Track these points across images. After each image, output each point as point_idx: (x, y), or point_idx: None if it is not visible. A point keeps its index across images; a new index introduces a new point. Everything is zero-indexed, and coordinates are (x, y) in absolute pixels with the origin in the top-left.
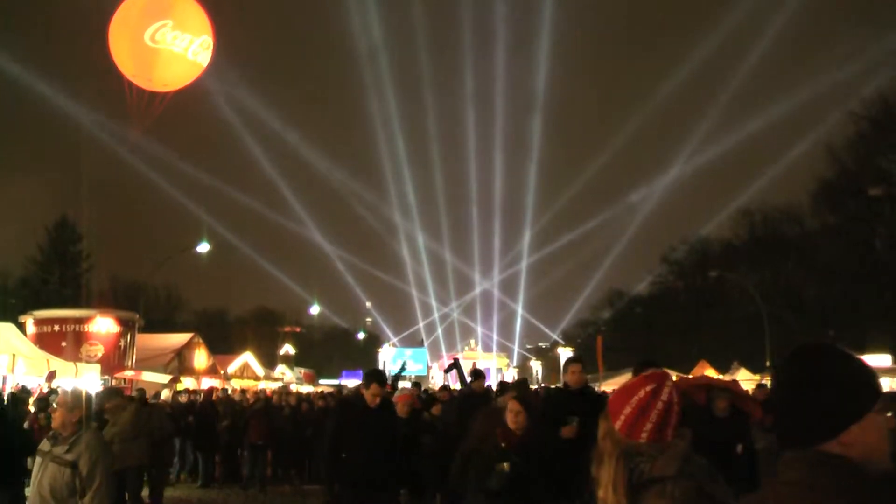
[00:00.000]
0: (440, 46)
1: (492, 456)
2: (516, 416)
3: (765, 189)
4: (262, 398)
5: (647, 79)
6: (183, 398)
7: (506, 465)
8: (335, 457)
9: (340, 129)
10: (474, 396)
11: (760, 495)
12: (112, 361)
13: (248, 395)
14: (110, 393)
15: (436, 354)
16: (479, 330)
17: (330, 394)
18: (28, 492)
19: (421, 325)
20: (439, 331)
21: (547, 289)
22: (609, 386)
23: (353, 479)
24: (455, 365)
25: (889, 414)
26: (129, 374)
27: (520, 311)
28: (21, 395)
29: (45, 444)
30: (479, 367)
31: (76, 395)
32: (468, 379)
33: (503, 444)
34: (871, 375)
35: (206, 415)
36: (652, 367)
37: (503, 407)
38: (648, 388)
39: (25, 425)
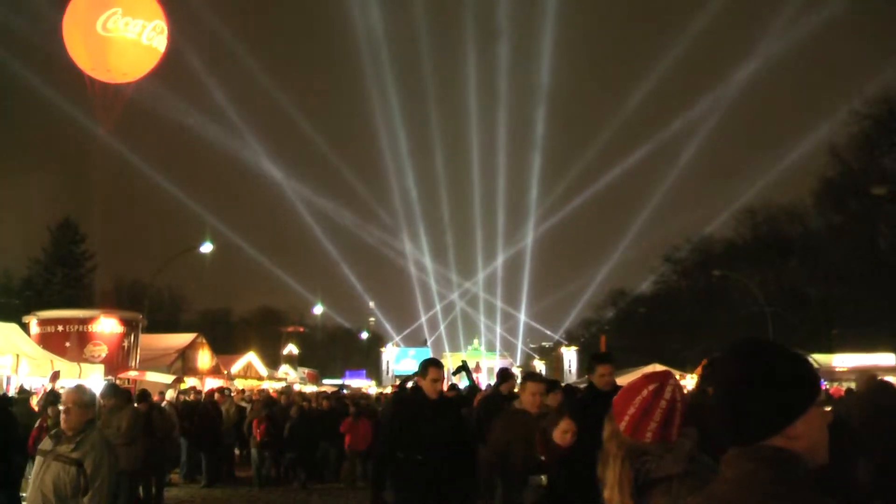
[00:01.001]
0: (440, 35)
1: (525, 468)
2: (564, 434)
3: (768, 188)
4: (269, 398)
5: (649, 71)
6: (191, 397)
7: (543, 478)
8: (390, 459)
9: (344, 126)
10: (500, 398)
11: (707, 494)
12: (115, 362)
13: (253, 395)
14: (108, 390)
15: (439, 354)
16: (483, 321)
17: (333, 394)
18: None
19: (423, 318)
20: (442, 328)
21: (550, 288)
22: None
23: (415, 485)
24: (464, 367)
25: (828, 408)
26: (132, 374)
27: (522, 317)
28: (21, 394)
29: (46, 443)
30: (482, 365)
31: (90, 392)
32: (492, 381)
33: (542, 458)
34: (812, 370)
35: (208, 415)
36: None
37: (523, 411)
38: (651, 388)
39: (36, 425)
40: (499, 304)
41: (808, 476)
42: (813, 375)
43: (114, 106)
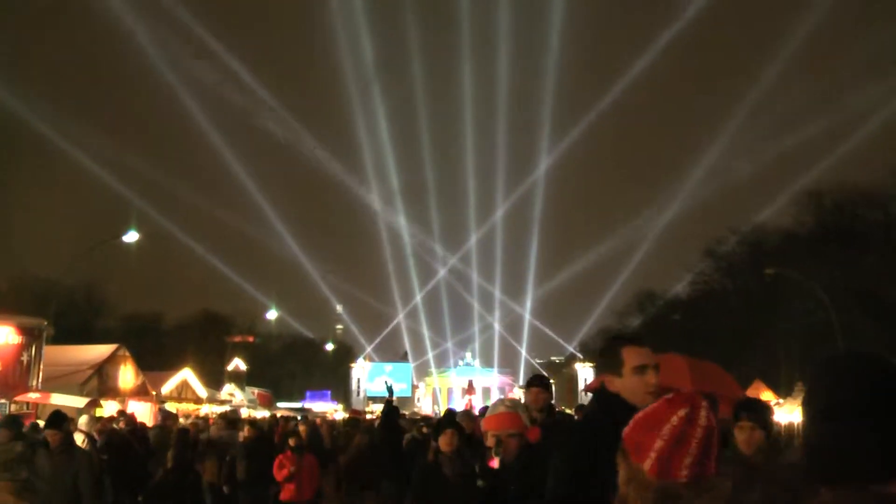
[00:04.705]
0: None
1: None
2: None
3: (837, 165)
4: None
5: (693, 37)
6: (121, 424)
7: None
8: None
9: (309, 94)
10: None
11: None
12: (12, 380)
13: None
14: None
15: (424, 370)
16: (476, 328)
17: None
18: None
19: (401, 314)
20: (430, 355)
21: (562, 290)
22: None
23: None
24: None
25: None
26: (33, 396)
27: (527, 317)
28: None
29: None
30: (477, 385)
31: None
32: (489, 404)
33: None
34: None
35: (128, 448)
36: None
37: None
38: (682, 414)
39: None
40: (497, 315)
41: None
42: None
43: None
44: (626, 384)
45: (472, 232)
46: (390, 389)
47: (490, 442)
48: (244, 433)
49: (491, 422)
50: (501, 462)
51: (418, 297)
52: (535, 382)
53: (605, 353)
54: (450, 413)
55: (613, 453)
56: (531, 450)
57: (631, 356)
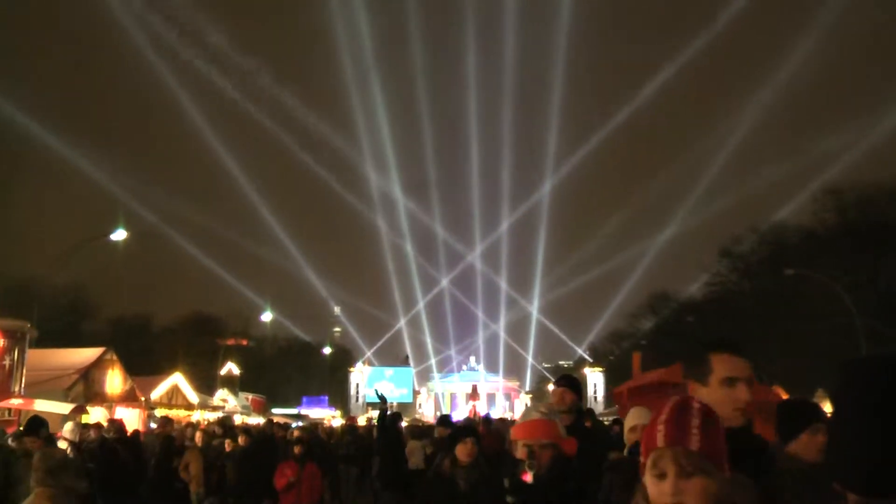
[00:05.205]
0: None
1: None
2: None
3: (860, 161)
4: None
5: (712, 39)
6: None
7: None
8: None
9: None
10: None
11: None
12: None
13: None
14: None
15: (426, 376)
16: (481, 332)
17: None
18: None
19: (403, 320)
20: (433, 361)
21: (571, 292)
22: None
23: None
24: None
25: None
26: (16, 402)
27: (535, 314)
28: None
29: None
30: (481, 390)
31: None
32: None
33: None
34: None
35: (114, 459)
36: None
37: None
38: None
39: None
40: (502, 318)
41: None
42: None
43: None
44: (711, 396)
45: (478, 232)
46: (382, 397)
47: (521, 453)
48: (238, 442)
49: (522, 430)
50: (535, 476)
51: (421, 304)
52: (562, 382)
53: (692, 357)
54: (449, 419)
55: None
56: (567, 463)
57: (721, 365)
